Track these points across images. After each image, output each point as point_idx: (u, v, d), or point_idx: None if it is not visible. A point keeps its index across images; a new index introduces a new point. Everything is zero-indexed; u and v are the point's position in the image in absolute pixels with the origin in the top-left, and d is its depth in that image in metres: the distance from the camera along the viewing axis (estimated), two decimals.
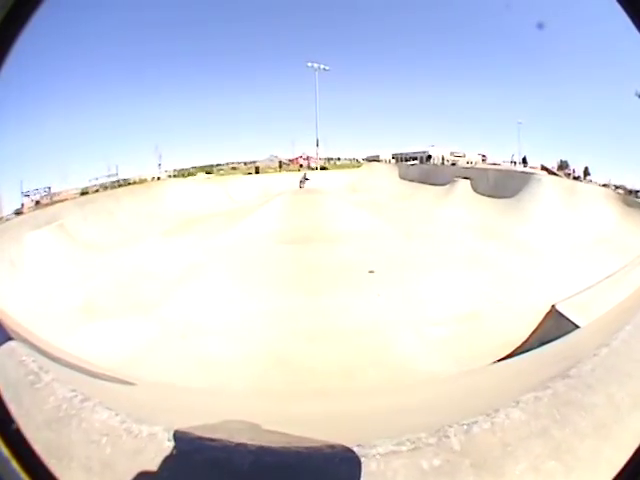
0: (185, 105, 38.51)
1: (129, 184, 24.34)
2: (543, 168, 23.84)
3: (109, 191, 21.62)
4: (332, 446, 1.24)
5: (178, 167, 29.84)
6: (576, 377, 1.45)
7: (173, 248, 12.10)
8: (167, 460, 1.19)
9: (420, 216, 16.29)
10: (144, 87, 36.63)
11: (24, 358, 1.63)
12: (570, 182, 18.34)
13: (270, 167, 33.18)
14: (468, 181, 19.32)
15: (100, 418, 1.33)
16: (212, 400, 2.80)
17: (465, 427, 1.25)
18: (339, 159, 36.73)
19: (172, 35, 36.72)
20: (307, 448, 1.25)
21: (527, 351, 3.89)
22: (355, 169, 31.99)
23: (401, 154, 33.56)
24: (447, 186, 20.24)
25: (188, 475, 1.19)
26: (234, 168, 33.12)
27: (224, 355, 5.65)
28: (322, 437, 1.33)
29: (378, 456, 1.19)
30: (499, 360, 4.48)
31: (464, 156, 30.32)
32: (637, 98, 16.41)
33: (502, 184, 17.25)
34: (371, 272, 8.96)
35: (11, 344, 1.69)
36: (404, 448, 1.20)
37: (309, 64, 29.87)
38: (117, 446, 1.24)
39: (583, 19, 27.17)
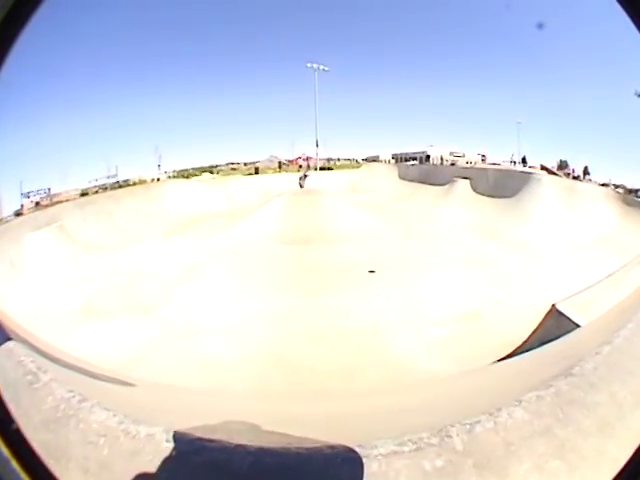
0: (185, 106, 38.35)
1: (129, 185, 24.35)
2: (543, 168, 23.86)
3: (109, 192, 21.60)
4: (333, 447, 1.23)
5: (178, 168, 29.87)
6: (579, 375, 1.44)
7: (173, 249, 12.09)
8: (165, 461, 1.17)
9: (420, 216, 16.29)
10: (144, 88, 36.44)
11: (22, 358, 1.62)
12: (570, 182, 18.35)
13: (270, 168, 33.18)
14: (468, 181, 19.31)
15: (98, 419, 1.32)
16: (212, 401, 2.79)
17: (468, 427, 1.24)
18: (339, 159, 36.72)
19: (171, 36, 36.58)
20: (307, 449, 1.24)
21: (528, 351, 3.88)
22: (355, 169, 31.98)
23: (401, 154, 33.59)
24: (447, 186, 20.23)
25: (187, 477, 1.18)
26: (234, 169, 33.12)
27: (224, 355, 5.64)
28: (323, 438, 1.31)
29: (380, 457, 1.17)
30: (499, 360, 4.46)
31: (464, 156, 30.33)
32: (637, 98, 16.44)
33: (502, 184, 17.25)
34: (371, 272, 8.96)
35: (10, 344, 1.68)
36: (406, 448, 1.19)
37: (309, 65, 29.90)
38: (115, 447, 1.23)
39: (583, 19, 27.19)
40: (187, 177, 28.51)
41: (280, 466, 1.19)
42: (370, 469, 1.14)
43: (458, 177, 20.18)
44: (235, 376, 5.03)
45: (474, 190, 18.58)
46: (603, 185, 17.07)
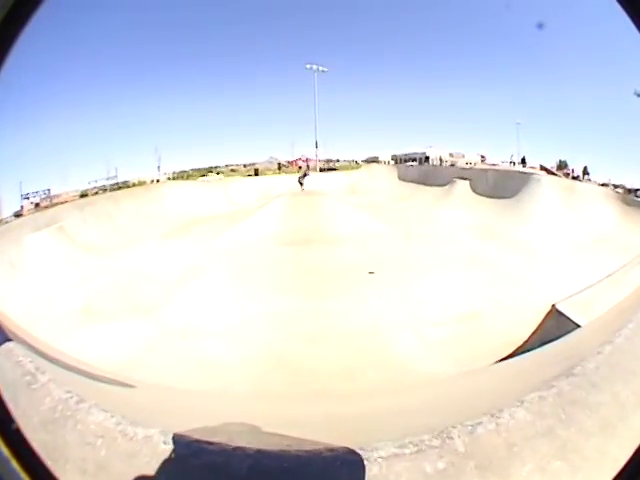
0: (184, 107, 38.34)
1: (128, 186, 24.36)
2: (542, 168, 23.87)
3: (108, 193, 21.62)
4: (332, 449, 1.21)
5: (177, 169, 29.87)
6: (580, 375, 1.43)
7: (173, 250, 12.08)
8: (163, 464, 1.16)
9: (419, 217, 16.29)
10: (143, 89, 36.49)
11: (21, 359, 1.61)
12: (569, 182, 18.38)
13: (269, 169, 33.16)
14: (467, 182, 19.33)
15: (95, 420, 1.30)
16: (211, 402, 2.77)
17: (469, 428, 1.22)
18: (338, 160, 36.67)
19: (171, 37, 36.69)
20: (307, 451, 1.22)
21: (528, 351, 3.86)
22: (354, 170, 31.99)
23: (400, 155, 33.61)
24: (446, 187, 20.25)
25: (184, 479, 1.17)
26: (233, 170, 33.08)
27: (224, 357, 5.63)
28: (322, 439, 1.30)
29: (380, 459, 1.15)
30: (500, 360, 4.45)
31: (463, 157, 30.36)
32: (636, 98, 16.47)
33: (501, 184, 17.27)
34: (371, 273, 8.94)
35: (9, 345, 1.68)
36: (407, 451, 1.18)
37: (308, 66, 29.96)
38: (112, 448, 1.22)
39: (583, 19, 27.21)
40: (188, 178, 28.50)
41: (279, 469, 1.18)
42: (370, 472, 1.13)
43: (457, 178, 20.20)
44: (235, 378, 5.01)
45: (474, 191, 18.59)
46: (603, 185, 17.09)
